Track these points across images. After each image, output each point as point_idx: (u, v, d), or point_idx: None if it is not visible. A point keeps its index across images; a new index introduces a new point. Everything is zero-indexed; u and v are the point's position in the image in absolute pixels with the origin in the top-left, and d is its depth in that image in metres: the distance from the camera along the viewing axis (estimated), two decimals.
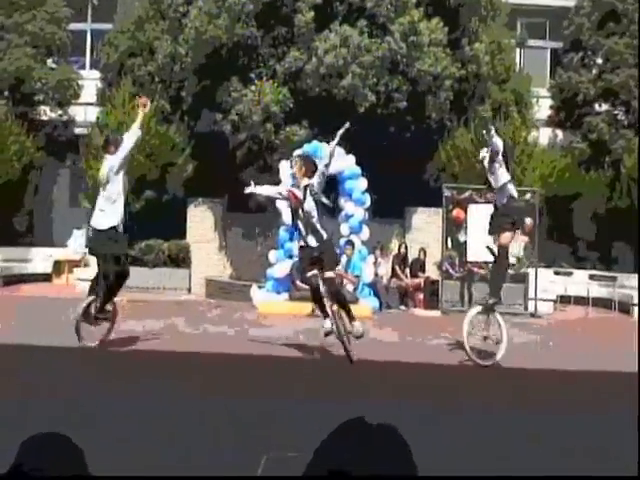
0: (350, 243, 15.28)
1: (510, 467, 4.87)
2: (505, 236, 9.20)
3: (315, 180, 8.86)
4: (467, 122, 17.48)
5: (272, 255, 15.62)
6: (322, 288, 8.83)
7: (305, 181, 8.90)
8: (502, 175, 9.16)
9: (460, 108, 17.47)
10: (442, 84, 16.64)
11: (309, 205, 8.83)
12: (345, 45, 15.99)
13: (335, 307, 8.91)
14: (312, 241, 8.92)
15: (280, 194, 9.51)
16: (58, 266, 18.53)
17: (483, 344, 9.22)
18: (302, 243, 9.11)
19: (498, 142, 9.07)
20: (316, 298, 8.97)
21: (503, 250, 9.32)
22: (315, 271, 8.77)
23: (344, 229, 15.64)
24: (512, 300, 15.12)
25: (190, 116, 17.62)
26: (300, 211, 8.91)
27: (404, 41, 16.15)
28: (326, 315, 8.93)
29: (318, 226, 8.87)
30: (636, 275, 16.32)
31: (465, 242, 15.67)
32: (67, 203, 20.96)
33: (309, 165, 9.05)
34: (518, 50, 20.68)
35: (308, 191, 8.82)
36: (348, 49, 15.97)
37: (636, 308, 15.87)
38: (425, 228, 17.27)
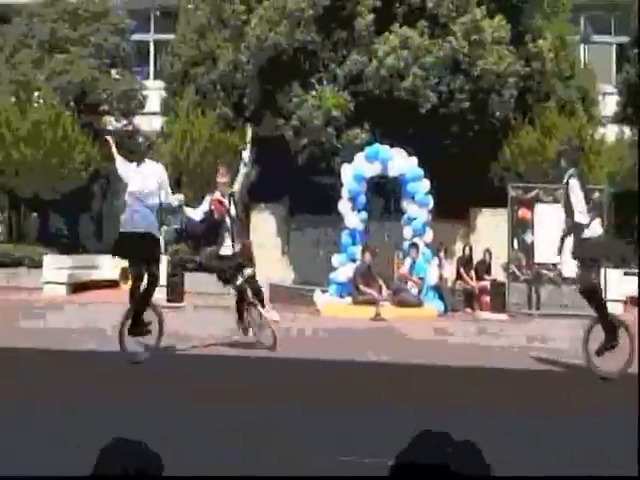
0: (414, 245, 14.93)
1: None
2: (582, 276, 8.37)
3: (236, 187, 9.09)
4: (532, 120, 16.96)
5: (335, 259, 15.37)
6: (249, 291, 9.14)
7: (228, 189, 9.05)
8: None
9: (524, 106, 16.98)
10: (506, 82, 16.19)
11: (234, 212, 9.03)
12: (406, 46, 15.69)
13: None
14: (237, 247, 9.07)
15: (205, 212, 9.21)
16: (125, 272, 18.55)
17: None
18: (226, 251, 9.09)
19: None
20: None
21: (585, 289, 8.40)
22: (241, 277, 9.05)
23: (407, 232, 15.30)
24: (580, 302, 14.47)
25: (252, 122, 17.48)
26: (227, 219, 9.03)
27: (466, 40, 15.79)
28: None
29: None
30: None
31: (532, 243, 15.13)
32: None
33: (231, 173, 9.27)
34: (583, 46, 20.03)
35: (232, 199, 9.03)
36: (409, 50, 15.66)
37: None
38: (490, 229, 16.76)
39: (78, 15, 20.47)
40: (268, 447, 5.08)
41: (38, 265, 17.38)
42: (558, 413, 6.34)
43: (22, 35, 20.24)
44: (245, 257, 9.26)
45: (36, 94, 19.54)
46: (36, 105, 19.24)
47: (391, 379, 7.67)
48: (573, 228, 8.14)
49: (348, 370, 8.18)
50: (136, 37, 21.05)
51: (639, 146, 16.24)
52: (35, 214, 20.24)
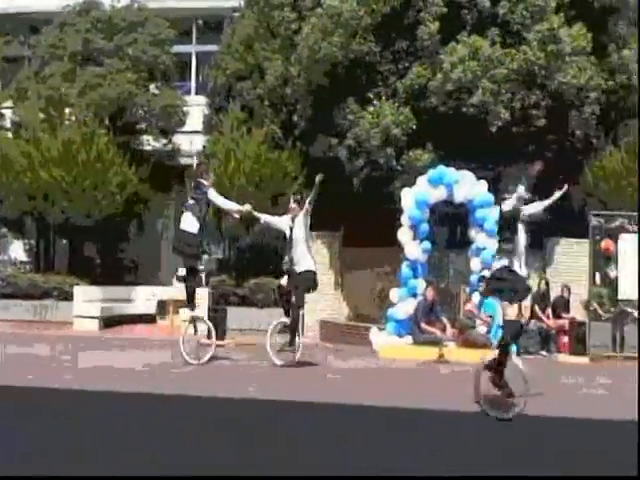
0: (483, 279, 15.10)
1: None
2: None
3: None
4: (616, 139, 17.10)
5: (394, 294, 15.62)
6: None
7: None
8: None
9: (608, 123, 17.15)
10: (587, 97, 16.40)
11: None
12: (475, 57, 15.97)
13: None
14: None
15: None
16: (163, 306, 19.08)
17: None
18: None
19: None
20: None
21: None
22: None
23: (475, 264, 15.48)
24: None
25: (303, 141, 17.86)
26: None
27: (542, 50, 16.03)
28: None
29: None
30: None
31: (616, 277, 15.26)
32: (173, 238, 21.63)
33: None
34: None
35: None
36: (478, 62, 15.93)
37: None
38: (569, 262, 16.91)
39: (113, 25, 21.21)
40: None
41: (68, 297, 18.04)
42: None
43: (52, 46, 21.03)
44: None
45: (67, 110, 20.22)
46: (67, 122, 19.93)
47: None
48: None
49: None
50: (177, 49, 21.61)
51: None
52: (65, 241, 20.89)
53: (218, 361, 12.26)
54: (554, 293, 16.38)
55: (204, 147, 19.26)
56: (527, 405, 7.91)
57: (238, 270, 18.48)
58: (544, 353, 15.57)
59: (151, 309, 19.26)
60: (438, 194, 15.48)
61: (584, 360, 14.79)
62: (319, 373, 12.02)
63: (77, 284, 18.41)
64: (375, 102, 16.64)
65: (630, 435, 6.49)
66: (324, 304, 17.87)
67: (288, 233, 12.36)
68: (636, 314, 14.78)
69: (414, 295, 15.36)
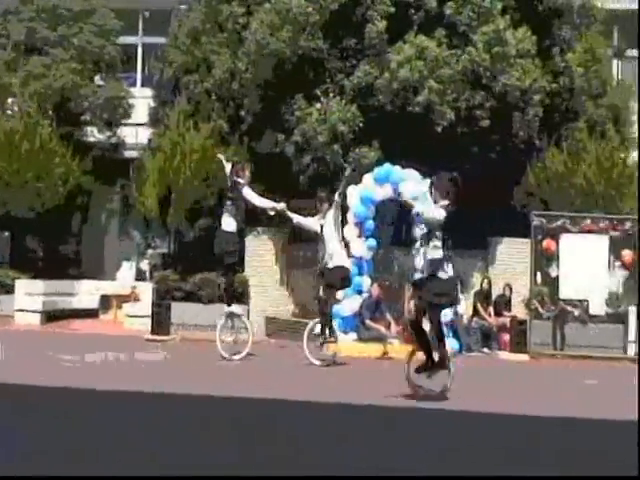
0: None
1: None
2: None
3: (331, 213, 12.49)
4: (559, 141, 17.47)
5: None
6: None
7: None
8: None
9: (551, 125, 17.50)
10: (531, 99, 16.74)
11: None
12: (421, 57, 16.23)
13: None
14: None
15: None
16: (106, 301, 19.01)
17: None
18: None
19: None
20: None
21: None
22: None
23: (419, 262, 15.65)
24: (609, 342, 15.01)
25: (250, 137, 17.89)
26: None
27: (488, 52, 16.35)
28: None
29: None
30: None
31: (557, 277, 15.63)
32: (117, 232, 21.52)
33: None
34: (615, 61, 20.61)
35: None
36: (424, 62, 16.19)
37: None
38: (511, 261, 17.24)
39: (58, 14, 21.00)
40: None
41: (10, 290, 17.86)
42: None
43: None
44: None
45: (10, 100, 20.01)
46: (10, 112, 19.71)
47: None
48: None
49: None
50: (123, 40, 21.50)
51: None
52: (7, 233, 20.63)
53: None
54: (496, 291, 16.69)
55: (149, 140, 19.17)
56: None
57: (183, 265, 18.43)
58: (485, 350, 15.93)
59: (94, 303, 19.18)
60: (384, 192, 15.66)
61: (524, 357, 15.14)
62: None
63: (19, 277, 18.25)
64: (322, 99, 16.81)
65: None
66: (270, 300, 17.95)
67: (319, 232, 12.65)
68: (576, 313, 15.19)
69: (359, 292, 15.52)
